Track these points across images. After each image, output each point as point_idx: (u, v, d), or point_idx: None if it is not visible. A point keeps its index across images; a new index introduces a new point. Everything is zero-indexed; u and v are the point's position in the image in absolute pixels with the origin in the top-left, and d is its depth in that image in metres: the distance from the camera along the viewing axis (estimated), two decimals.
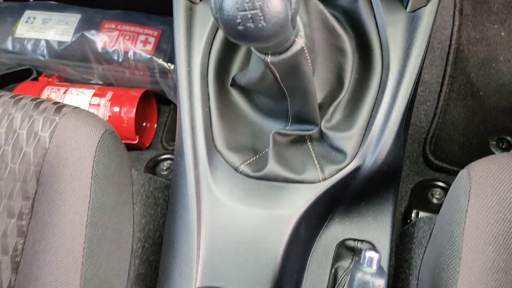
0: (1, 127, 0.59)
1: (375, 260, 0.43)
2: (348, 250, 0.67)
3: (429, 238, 0.62)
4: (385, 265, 0.63)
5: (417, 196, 0.97)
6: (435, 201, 0.98)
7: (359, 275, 0.43)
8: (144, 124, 1.19)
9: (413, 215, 0.89)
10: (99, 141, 0.57)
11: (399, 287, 0.68)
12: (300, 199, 0.60)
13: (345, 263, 0.68)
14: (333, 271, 0.67)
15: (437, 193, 0.98)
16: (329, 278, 0.65)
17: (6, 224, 0.58)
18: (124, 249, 0.60)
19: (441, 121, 1.02)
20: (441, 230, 0.56)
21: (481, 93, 0.98)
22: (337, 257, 0.67)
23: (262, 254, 0.57)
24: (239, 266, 0.58)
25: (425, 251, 0.61)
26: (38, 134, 0.58)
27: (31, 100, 0.61)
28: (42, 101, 0.62)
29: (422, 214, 0.90)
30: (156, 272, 0.68)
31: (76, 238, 0.52)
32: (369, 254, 0.44)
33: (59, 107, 0.61)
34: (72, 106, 0.62)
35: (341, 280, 0.67)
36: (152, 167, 1.11)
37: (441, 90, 1.00)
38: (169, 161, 1.11)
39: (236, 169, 0.61)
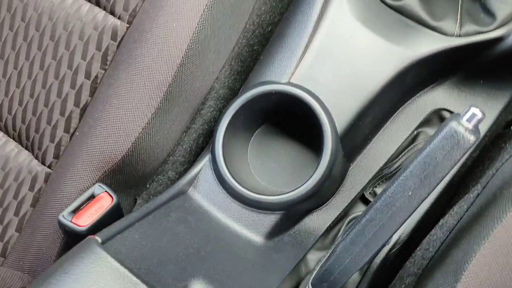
0: None
1: (476, 118, 0.38)
2: (439, 120, 0.65)
3: None
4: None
5: None
6: None
7: (453, 124, 0.38)
8: None
9: None
10: None
11: (469, 180, 0.66)
12: (424, 44, 0.57)
13: (430, 131, 0.66)
14: (415, 132, 0.66)
15: None
16: (408, 136, 0.65)
17: None
18: (240, 22, 0.61)
19: None
20: None
21: None
22: (425, 122, 0.65)
23: (364, 78, 0.57)
24: (337, 80, 0.58)
25: None
26: None
27: None
28: None
29: None
30: (257, 57, 0.68)
31: None
32: (474, 110, 0.38)
33: None
34: None
35: (418, 143, 0.66)
36: None
37: None
38: None
39: None
